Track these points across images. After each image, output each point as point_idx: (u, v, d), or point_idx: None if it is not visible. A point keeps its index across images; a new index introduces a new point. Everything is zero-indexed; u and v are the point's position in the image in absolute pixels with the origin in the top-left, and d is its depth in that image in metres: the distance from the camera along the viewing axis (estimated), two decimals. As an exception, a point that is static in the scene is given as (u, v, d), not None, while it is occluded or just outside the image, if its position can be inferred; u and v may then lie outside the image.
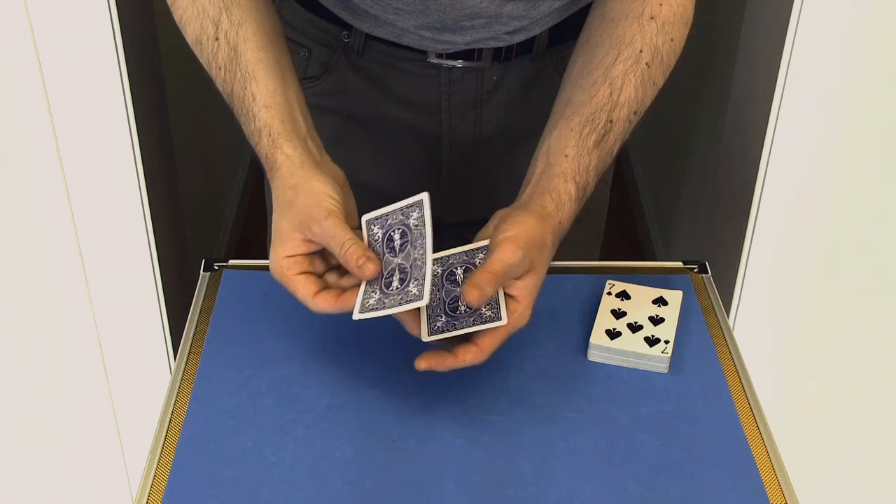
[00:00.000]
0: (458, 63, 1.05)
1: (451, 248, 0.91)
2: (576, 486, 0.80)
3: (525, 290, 0.83)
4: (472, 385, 0.89)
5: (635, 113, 0.92)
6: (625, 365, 0.91)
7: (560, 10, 1.02)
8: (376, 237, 0.84)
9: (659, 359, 0.90)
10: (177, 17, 0.93)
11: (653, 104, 0.95)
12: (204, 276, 1.02)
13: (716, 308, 0.99)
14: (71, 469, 1.62)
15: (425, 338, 0.82)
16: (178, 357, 0.93)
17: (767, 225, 1.44)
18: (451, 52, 1.05)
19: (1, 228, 1.38)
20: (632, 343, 0.92)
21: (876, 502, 1.71)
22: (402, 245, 0.82)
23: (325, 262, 0.85)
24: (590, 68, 0.92)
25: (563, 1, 1.00)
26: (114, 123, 1.31)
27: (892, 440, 1.64)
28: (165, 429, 0.85)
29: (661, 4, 0.92)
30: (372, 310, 0.80)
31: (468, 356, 0.81)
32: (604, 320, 0.94)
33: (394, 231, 0.83)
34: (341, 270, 0.84)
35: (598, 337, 0.92)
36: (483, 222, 0.93)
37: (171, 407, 0.87)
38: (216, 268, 1.03)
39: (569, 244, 1.15)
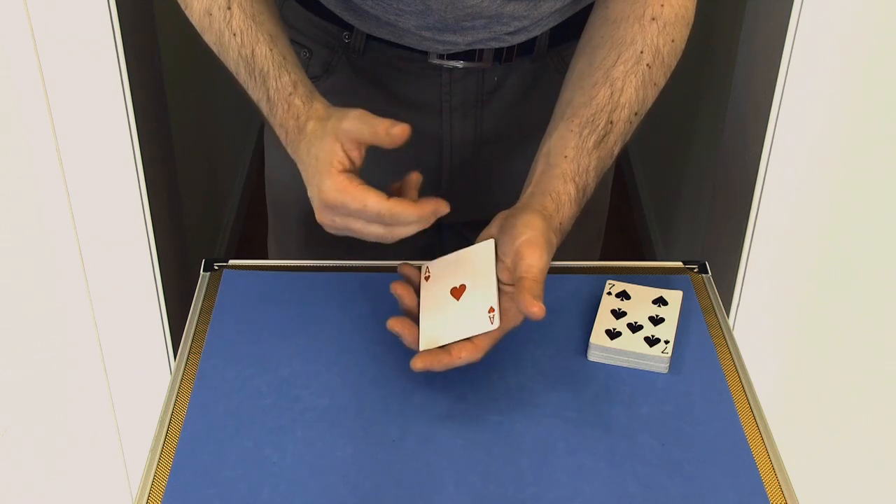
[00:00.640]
0: (459, 63, 1.06)
1: (452, 248, 0.91)
2: (576, 486, 0.80)
3: None
4: (472, 385, 0.89)
5: (636, 114, 0.92)
6: (625, 365, 0.91)
7: (561, 11, 1.02)
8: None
9: (659, 359, 0.90)
10: None
11: (653, 105, 0.95)
12: (204, 276, 1.02)
13: (716, 308, 0.99)
14: (71, 469, 1.62)
15: (422, 347, 0.83)
16: (178, 357, 0.93)
17: (767, 225, 1.44)
18: (452, 52, 1.05)
19: (1, 228, 1.38)
20: (632, 343, 0.91)
21: (876, 502, 1.71)
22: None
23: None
24: (590, 69, 0.92)
25: (564, 1, 1.00)
26: (114, 123, 1.31)
27: (892, 440, 1.64)
28: (165, 429, 0.85)
29: (662, 5, 0.92)
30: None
31: (464, 353, 0.82)
32: (604, 320, 0.94)
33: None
34: None
35: (598, 337, 0.92)
36: (484, 223, 0.93)
37: (171, 407, 0.87)
38: (216, 268, 1.03)
39: (569, 244, 1.15)
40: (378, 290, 0.95)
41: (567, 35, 1.06)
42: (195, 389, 0.88)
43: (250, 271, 1.03)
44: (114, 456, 1.61)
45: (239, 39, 0.90)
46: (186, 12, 0.94)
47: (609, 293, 0.98)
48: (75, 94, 1.28)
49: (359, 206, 0.81)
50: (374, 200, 0.81)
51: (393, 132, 0.82)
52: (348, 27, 1.06)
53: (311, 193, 0.85)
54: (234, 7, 0.91)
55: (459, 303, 0.85)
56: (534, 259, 0.82)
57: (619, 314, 0.95)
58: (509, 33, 1.02)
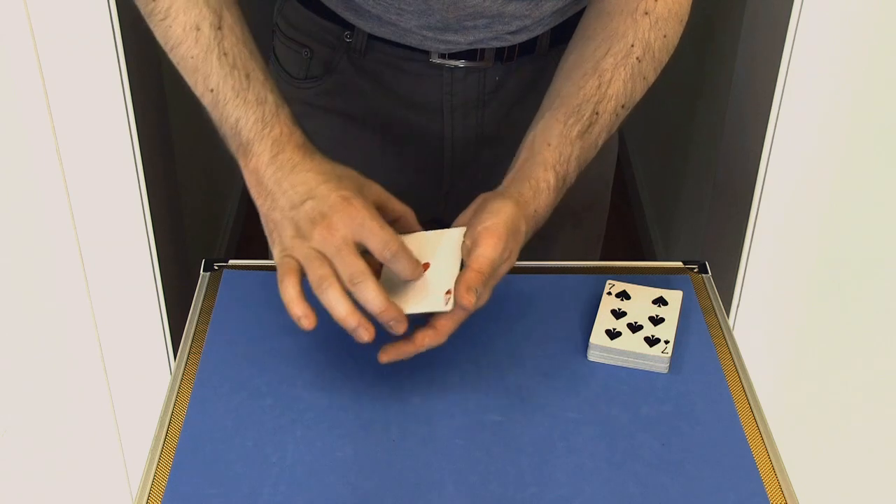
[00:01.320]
0: (461, 63, 1.06)
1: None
2: (576, 486, 0.80)
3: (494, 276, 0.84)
4: (472, 385, 0.89)
5: (623, 107, 0.92)
6: (625, 365, 0.91)
7: (562, 11, 1.02)
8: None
9: (659, 359, 0.90)
10: (163, 7, 0.89)
11: (653, 104, 0.95)
12: (204, 276, 1.02)
13: (716, 308, 0.99)
14: (71, 469, 1.62)
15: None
16: (178, 357, 0.93)
17: (767, 225, 1.44)
18: (453, 52, 1.05)
19: (1, 228, 1.38)
20: (632, 343, 0.91)
21: (876, 502, 1.71)
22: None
23: None
24: (581, 60, 0.93)
25: (565, 0, 1.00)
26: (114, 123, 1.31)
27: (892, 440, 1.64)
28: (165, 429, 0.84)
29: (656, 1, 0.92)
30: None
31: (426, 340, 0.83)
32: (604, 320, 0.94)
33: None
34: None
35: (598, 337, 0.92)
36: None
37: (171, 407, 0.87)
38: (216, 268, 1.03)
39: (569, 244, 1.15)
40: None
41: (568, 34, 1.06)
42: (195, 389, 0.88)
43: (250, 271, 1.03)
44: (114, 456, 1.61)
45: (231, 60, 0.89)
46: (163, 24, 0.90)
47: (609, 293, 0.97)
48: (75, 94, 1.28)
49: (378, 224, 0.80)
50: (387, 235, 0.81)
51: (411, 270, 0.83)
52: (349, 26, 1.06)
53: (311, 210, 0.82)
54: (226, 29, 0.89)
55: (420, 279, 0.85)
56: (486, 249, 0.82)
57: (619, 314, 0.95)
58: (511, 32, 1.02)
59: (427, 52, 1.05)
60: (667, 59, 0.94)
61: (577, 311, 0.97)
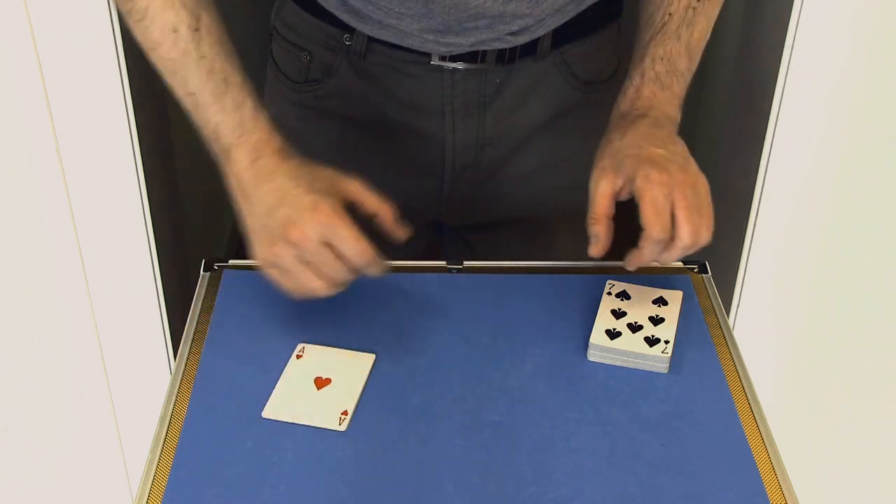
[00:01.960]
0: (461, 65, 1.05)
1: (453, 251, 0.93)
2: (576, 486, 0.80)
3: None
4: (472, 385, 0.89)
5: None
6: (625, 365, 0.91)
7: (563, 11, 1.02)
8: None
9: (659, 359, 0.90)
10: (141, 6, 0.89)
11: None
12: (204, 276, 1.02)
13: (716, 308, 0.99)
14: (71, 469, 1.62)
15: (265, 414, 0.86)
16: (178, 357, 0.93)
17: (767, 225, 1.44)
18: (454, 54, 1.04)
19: (1, 228, 1.38)
20: (632, 343, 0.91)
21: (876, 502, 1.71)
22: None
23: None
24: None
25: (565, -1, 1.00)
26: (114, 123, 1.31)
27: (892, 440, 1.64)
28: (165, 429, 0.85)
29: None
30: None
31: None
32: (604, 320, 0.94)
33: None
34: None
35: (598, 337, 0.92)
36: (486, 226, 0.94)
37: (171, 407, 0.87)
38: (216, 268, 1.03)
39: (569, 244, 1.15)
40: (377, 290, 0.95)
41: (569, 36, 1.06)
42: (195, 389, 0.88)
43: (250, 271, 1.02)
44: (114, 456, 1.61)
45: (209, 64, 0.90)
46: (140, 25, 0.90)
47: (609, 293, 0.97)
48: (75, 94, 1.28)
49: (350, 233, 0.83)
50: (352, 236, 0.83)
51: (398, 233, 0.87)
52: (349, 29, 1.05)
53: (283, 217, 0.85)
54: (203, 30, 0.90)
55: (318, 393, 0.87)
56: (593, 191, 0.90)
57: (619, 314, 0.95)
58: (512, 33, 1.02)
59: (427, 55, 1.05)
60: None
61: (577, 311, 0.97)
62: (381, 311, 0.96)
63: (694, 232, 0.86)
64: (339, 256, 0.84)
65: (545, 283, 1.01)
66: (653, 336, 0.92)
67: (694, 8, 0.96)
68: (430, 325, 0.95)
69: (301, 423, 0.84)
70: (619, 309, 0.95)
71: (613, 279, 0.99)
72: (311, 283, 0.85)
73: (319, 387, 0.88)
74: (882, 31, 1.28)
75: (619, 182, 0.89)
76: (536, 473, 0.81)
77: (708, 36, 0.99)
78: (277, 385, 0.88)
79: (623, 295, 0.97)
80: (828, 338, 1.55)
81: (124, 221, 1.39)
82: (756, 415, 0.87)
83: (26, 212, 1.37)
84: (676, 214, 0.86)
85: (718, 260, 1.55)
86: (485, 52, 1.04)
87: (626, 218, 0.91)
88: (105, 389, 1.53)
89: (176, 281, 1.60)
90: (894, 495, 1.69)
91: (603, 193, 0.89)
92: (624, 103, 0.96)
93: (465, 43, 1.02)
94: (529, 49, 1.06)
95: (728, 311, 1.51)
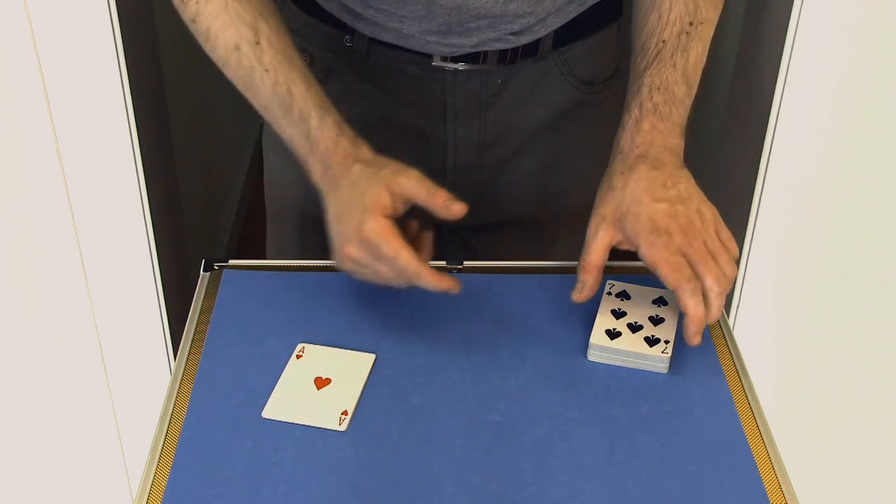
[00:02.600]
0: (462, 66, 1.05)
1: (454, 252, 0.92)
2: (576, 486, 0.80)
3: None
4: (472, 385, 0.89)
5: (691, 24, 0.95)
6: (625, 365, 0.91)
7: (565, 11, 1.02)
8: None
9: (659, 359, 0.90)
10: (203, 28, 0.92)
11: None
12: (204, 276, 1.02)
13: (716, 308, 0.99)
14: (71, 469, 1.62)
15: (265, 414, 0.86)
16: (178, 357, 0.93)
17: (767, 225, 1.44)
18: (456, 54, 1.04)
19: (1, 228, 1.38)
20: (632, 343, 0.91)
21: (876, 502, 1.71)
22: None
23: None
24: (641, 3, 0.97)
25: (565, -2, 1.00)
26: (114, 123, 1.31)
27: (893, 440, 1.64)
28: (165, 429, 0.85)
29: None
30: None
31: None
32: (604, 320, 0.94)
33: None
34: None
35: (598, 337, 0.92)
36: (486, 227, 0.94)
37: (171, 407, 0.87)
38: (216, 268, 1.03)
39: (570, 245, 1.16)
40: (378, 290, 0.95)
41: (571, 36, 1.06)
42: (195, 389, 0.88)
43: (250, 271, 1.03)
44: (114, 456, 1.61)
45: (273, 76, 0.91)
46: (207, 45, 0.93)
47: (609, 293, 0.98)
48: (75, 95, 1.28)
49: (392, 253, 0.85)
50: (406, 255, 0.85)
51: (453, 208, 0.87)
52: (350, 31, 1.05)
53: (345, 227, 0.88)
54: (264, 42, 0.91)
55: (318, 393, 0.87)
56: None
57: (619, 314, 0.95)
58: (514, 33, 1.02)
59: (429, 56, 1.05)
60: None
61: (577, 311, 0.97)
62: (381, 311, 0.96)
63: (717, 279, 0.87)
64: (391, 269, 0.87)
65: (545, 283, 1.01)
66: (653, 336, 0.92)
67: (687, 33, 0.95)
68: (430, 325, 0.95)
69: (301, 423, 0.84)
70: (619, 309, 0.95)
71: (613, 279, 0.99)
72: (381, 281, 0.89)
73: (319, 387, 0.88)
74: (882, 31, 1.28)
75: (619, 238, 0.90)
76: (536, 473, 0.81)
77: (704, 58, 0.98)
78: (277, 385, 0.88)
79: (623, 295, 0.97)
80: (828, 338, 1.55)
81: (124, 221, 1.39)
82: (756, 415, 0.87)
83: (26, 212, 1.37)
84: (695, 270, 0.87)
85: (718, 260, 1.56)
86: (486, 52, 1.04)
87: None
88: (105, 389, 1.53)
89: (176, 281, 1.60)
90: (894, 495, 1.69)
91: (599, 245, 0.90)
92: (624, 139, 0.94)
93: (467, 43, 1.02)
94: (531, 50, 1.06)
95: (728, 311, 1.51)
